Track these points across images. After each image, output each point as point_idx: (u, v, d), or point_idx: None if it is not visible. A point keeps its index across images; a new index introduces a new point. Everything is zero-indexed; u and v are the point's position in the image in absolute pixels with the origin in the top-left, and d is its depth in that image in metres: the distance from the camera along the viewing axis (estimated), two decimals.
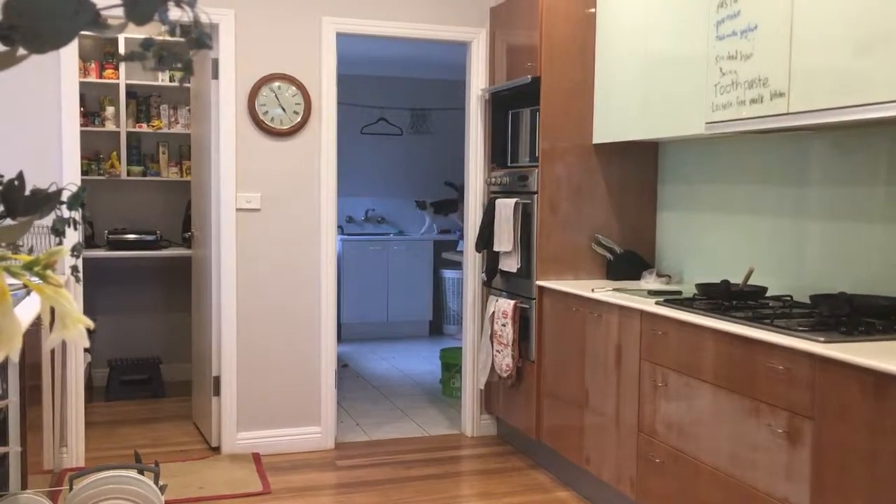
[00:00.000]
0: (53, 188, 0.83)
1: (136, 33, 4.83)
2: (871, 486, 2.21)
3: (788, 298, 3.11)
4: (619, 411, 3.42)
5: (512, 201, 4.17)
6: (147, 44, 0.64)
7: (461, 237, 7.80)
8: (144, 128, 5.70)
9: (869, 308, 2.69)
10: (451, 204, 7.86)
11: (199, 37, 0.63)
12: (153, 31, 0.65)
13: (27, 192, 0.81)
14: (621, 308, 3.38)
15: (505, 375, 4.26)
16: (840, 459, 2.31)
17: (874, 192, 2.89)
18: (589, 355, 3.64)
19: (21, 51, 0.64)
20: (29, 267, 0.77)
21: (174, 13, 0.65)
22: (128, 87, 5.58)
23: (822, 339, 2.41)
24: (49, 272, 0.78)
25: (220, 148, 4.25)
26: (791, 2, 2.71)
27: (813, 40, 2.63)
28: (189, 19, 0.63)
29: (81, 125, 4.22)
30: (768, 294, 3.18)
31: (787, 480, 2.51)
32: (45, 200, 0.80)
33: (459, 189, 7.80)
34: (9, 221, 0.83)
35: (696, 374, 2.93)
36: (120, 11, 0.64)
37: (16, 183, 0.78)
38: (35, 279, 0.78)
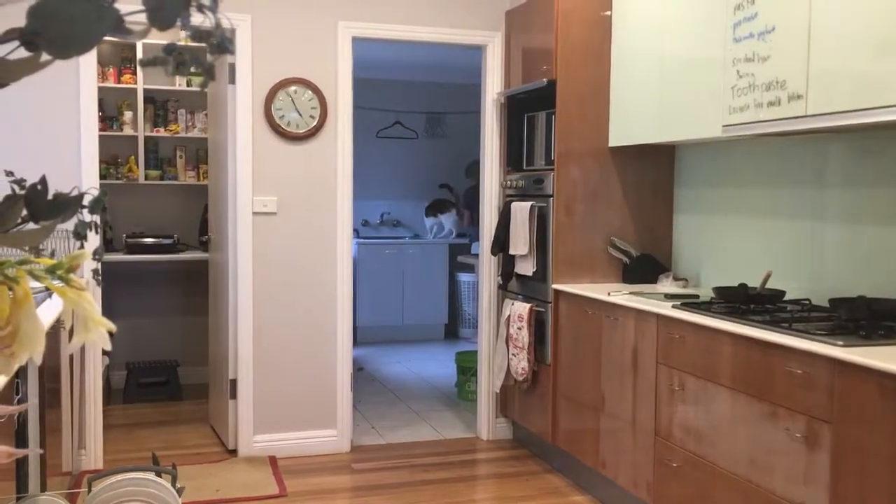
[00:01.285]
0: (75, 192, 0.83)
1: (156, 39, 4.86)
2: (890, 491, 2.19)
3: (807, 302, 3.09)
4: (635, 415, 3.41)
5: (528, 204, 4.16)
6: (170, 49, 0.65)
7: (452, 235, 7.84)
8: (162, 132, 5.74)
9: (888, 312, 2.66)
10: (442, 204, 7.87)
11: (221, 41, 0.64)
12: (173, 36, 0.66)
13: (50, 197, 0.81)
14: (638, 312, 3.37)
15: (521, 379, 4.26)
16: (859, 464, 2.29)
17: (893, 194, 2.87)
18: (605, 359, 3.62)
19: (45, 56, 0.64)
20: (52, 270, 0.78)
21: (196, 18, 0.66)
22: (146, 91, 5.62)
23: (840, 342, 2.39)
24: (72, 275, 0.78)
25: (237, 152, 4.28)
26: (809, 4, 2.69)
27: (831, 42, 2.62)
28: (210, 24, 0.63)
29: (100, 130, 4.26)
30: (786, 298, 3.16)
31: (805, 485, 2.50)
32: (67, 204, 0.80)
33: (454, 191, 7.86)
34: (31, 225, 0.84)
35: (713, 378, 2.91)
36: (143, 17, 0.65)
37: (39, 187, 0.78)
38: (58, 282, 0.79)
